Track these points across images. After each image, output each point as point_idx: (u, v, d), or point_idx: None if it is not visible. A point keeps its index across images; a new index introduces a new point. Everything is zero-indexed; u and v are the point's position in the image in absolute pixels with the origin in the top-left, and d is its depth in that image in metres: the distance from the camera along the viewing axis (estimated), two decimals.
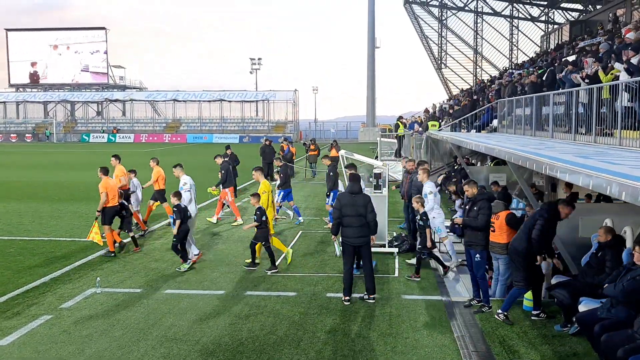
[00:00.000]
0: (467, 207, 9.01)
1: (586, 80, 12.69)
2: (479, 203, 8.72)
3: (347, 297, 8.93)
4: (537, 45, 57.51)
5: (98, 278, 9.89)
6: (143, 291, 9.59)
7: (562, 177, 5.98)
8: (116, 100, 79.79)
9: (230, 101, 76.25)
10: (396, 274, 10.60)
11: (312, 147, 28.16)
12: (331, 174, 15.14)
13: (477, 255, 8.64)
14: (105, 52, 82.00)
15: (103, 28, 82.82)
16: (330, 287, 9.74)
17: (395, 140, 31.34)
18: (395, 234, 13.31)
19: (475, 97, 29.58)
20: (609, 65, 12.18)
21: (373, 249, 11.69)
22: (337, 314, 8.45)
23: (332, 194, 14.91)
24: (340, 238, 9.15)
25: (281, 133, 64.31)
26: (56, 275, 10.50)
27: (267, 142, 25.82)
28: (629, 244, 7.29)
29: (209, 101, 76.72)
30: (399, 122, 31.16)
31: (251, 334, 7.69)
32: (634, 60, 10.98)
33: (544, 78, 17.67)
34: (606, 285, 6.41)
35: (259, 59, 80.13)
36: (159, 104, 79.29)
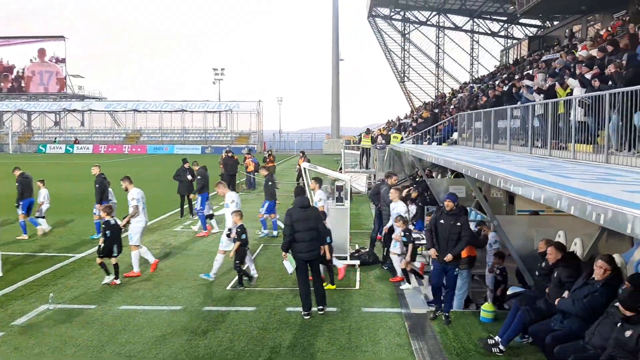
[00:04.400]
0: (441, 221, 8.72)
1: (541, 95, 13.01)
2: (461, 218, 8.65)
3: (307, 312, 8.86)
4: (497, 60, 58.92)
5: (51, 294, 9.60)
6: (97, 307, 9.33)
7: (516, 190, 6.08)
8: (74, 111, 78.11)
9: (192, 111, 75.43)
10: (357, 287, 10.60)
11: (270, 158, 28.07)
12: (270, 183, 15.26)
13: (457, 269, 8.74)
14: (64, 62, 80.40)
15: (62, 37, 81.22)
16: (290, 302, 9.65)
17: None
18: (357, 246, 13.36)
19: (436, 110, 30.04)
20: (564, 82, 12.52)
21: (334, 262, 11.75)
22: (297, 329, 8.37)
23: (267, 204, 15.01)
24: (290, 254, 9.07)
25: (245, 144, 63.92)
26: (7, 291, 10.14)
27: (230, 154, 25.57)
28: (579, 255, 7.46)
29: (171, 112, 75.56)
30: (365, 134, 31.13)
31: (208, 350, 7.54)
32: (587, 76, 11.32)
33: (505, 89, 18.12)
34: (560, 299, 6.53)
35: (222, 69, 79.66)
36: (119, 114, 77.95)
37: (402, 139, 26.83)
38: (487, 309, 8.65)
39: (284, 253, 9.06)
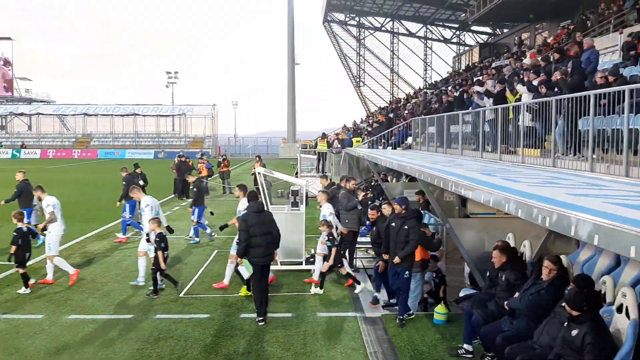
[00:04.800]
0: (392, 224, 8.98)
1: (490, 100, 13.33)
2: (409, 222, 8.78)
3: (261, 318, 8.78)
4: (450, 66, 60.14)
5: None
6: (45, 317, 9.02)
7: (466, 194, 6.19)
8: (21, 114, 75.51)
9: (144, 115, 73.98)
10: (312, 292, 10.57)
11: (224, 162, 27.82)
12: (195, 189, 15.23)
13: (407, 272, 8.80)
14: (11, 64, 77.74)
15: (9, 38, 78.50)
16: (244, 308, 9.54)
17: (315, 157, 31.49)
18: (313, 251, 13.33)
19: (391, 115, 30.41)
20: (514, 88, 12.87)
21: (290, 267, 11.74)
22: (251, 335, 8.28)
23: (197, 210, 14.96)
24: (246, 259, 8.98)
25: (199, 148, 63.18)
26: None
27: (183, 159, 25.22)
28: (527, 257, 7.65)
29: (122, 115, 73.95)
30: (321, 138, 31.24)
31: (160, 359, 7.38)
32: (534, 82, 11.68)
33: (457, 94, 18.51)
34: (510, 300, 6.67)
35: (176, 72, 78.57)
36: (68, 118, 75.75)
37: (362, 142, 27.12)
38: (440, 311, 8.77)
39: (239, 259, 8.95)
